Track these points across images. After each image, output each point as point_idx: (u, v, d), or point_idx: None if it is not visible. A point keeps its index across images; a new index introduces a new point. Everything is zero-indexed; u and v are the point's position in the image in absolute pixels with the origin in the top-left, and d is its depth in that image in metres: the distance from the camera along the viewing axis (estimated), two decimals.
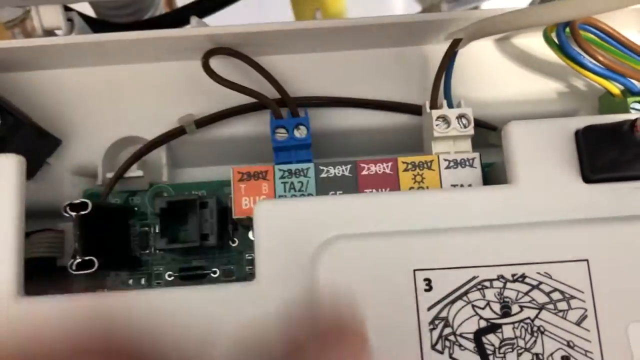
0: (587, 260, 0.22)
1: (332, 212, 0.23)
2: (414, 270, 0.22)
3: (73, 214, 0.25)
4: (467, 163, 0.27)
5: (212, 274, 0.29)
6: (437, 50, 0.31)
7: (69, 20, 0.30)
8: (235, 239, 0.29)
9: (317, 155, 0.30)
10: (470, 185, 0.26)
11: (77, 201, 0.25)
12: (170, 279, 0.29)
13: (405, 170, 0.27)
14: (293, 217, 0.23)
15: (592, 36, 0.29)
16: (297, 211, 0.24)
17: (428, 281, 0.22)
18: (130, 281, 0.29)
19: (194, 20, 0.28)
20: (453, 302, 0.22)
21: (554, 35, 0.29)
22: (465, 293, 0.22)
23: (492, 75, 0.31)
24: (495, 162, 0.28)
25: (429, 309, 0.22)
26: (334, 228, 0.23)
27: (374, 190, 0.27)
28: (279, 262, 0.23)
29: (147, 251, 0.29)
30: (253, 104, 0.29)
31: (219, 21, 0.36)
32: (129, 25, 0.37)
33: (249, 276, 0.29)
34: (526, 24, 0.25)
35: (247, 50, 0.30)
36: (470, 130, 0.27)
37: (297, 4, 0.66)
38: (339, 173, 0.27)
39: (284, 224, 0.23)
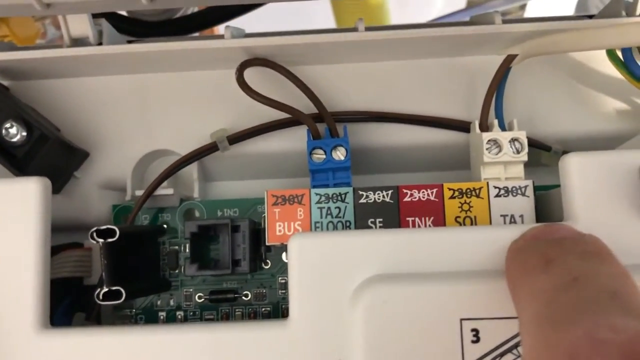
0: None
1: (373, 249, 0.22)
2: (461, 320, 0.20)
3: (100, 240, 0.24)
4: (519, 191, 0.25)
5: (243, 297, 0.28)
6: (487, 61, 0.28)
7: (97, 25, 0.28)
8: (268, 261, 0.28)
9: (355, 172, 0.28)
10: (521, 217, 0.24)
11: (104, 227, 0.24)
12: (200, 300, 0.28)
13: (452, 197, 0.25)
14: (330, 253, 0.22)
15: None
16: (335, 247, 0.22)
17: (475, 332, 0.20)
18: (159, 302, 0.28)
19: (227, 31, 0.27)
20: (502, 355, 0.20)
21: (618, 50, 0.26)
22: (515, 346, 0.20)
23: (545, 90, 0.29)
24: (549, 192, 0.26)
25: None
26: (375, 267, 0.22)
27: (416, 218, 0.25)
28: (315, 302, 0.21)
29: (177, 271, 0.28)
30: (289, 120, 0.28)
31: (260, 22, 0.34)
32: (159, 24, 0.35)
33: (282, 301, 0.28)
34: (592, 47, 0.23)
35: (284, 61, 0.28)
36: (524, 156, 0.25)
37: (338, 11, 0.63)
38: (379, 199, 0.25)
39: (320, 260, 0.22)
